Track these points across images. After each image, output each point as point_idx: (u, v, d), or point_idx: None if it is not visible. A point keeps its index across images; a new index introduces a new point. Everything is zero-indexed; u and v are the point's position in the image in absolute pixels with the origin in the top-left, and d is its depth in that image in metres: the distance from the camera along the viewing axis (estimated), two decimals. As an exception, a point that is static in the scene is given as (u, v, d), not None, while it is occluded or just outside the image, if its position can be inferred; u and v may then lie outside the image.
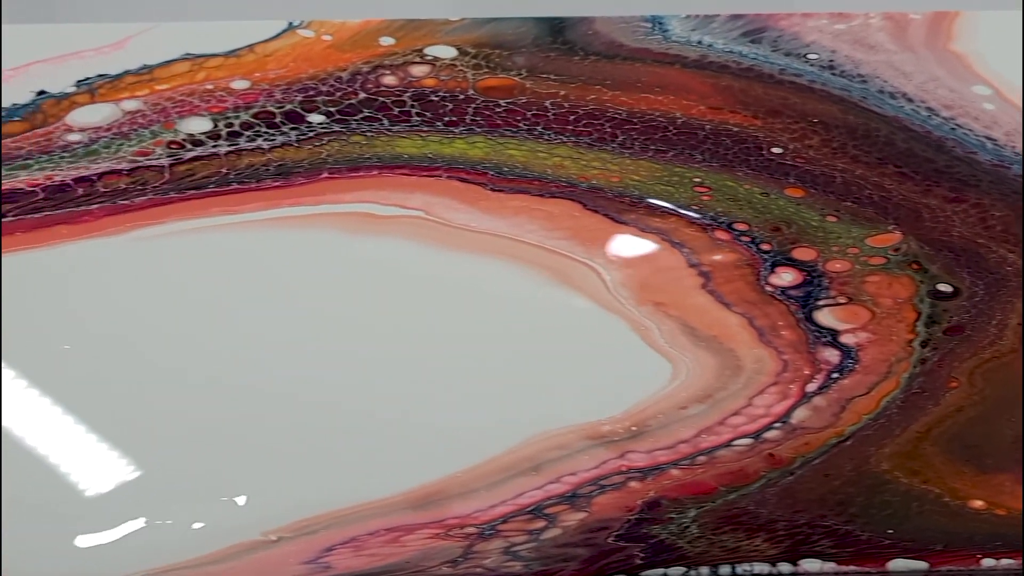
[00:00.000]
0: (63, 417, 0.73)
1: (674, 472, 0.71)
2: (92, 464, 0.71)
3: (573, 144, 0.85)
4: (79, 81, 0.87)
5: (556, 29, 0.91)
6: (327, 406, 0.73)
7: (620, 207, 0.82)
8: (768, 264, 0.79)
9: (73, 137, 0.84)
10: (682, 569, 0.68)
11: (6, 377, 0.74)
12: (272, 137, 0.84)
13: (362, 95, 0.87)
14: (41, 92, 0.86)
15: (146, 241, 0.80)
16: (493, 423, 0.73)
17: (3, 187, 0.81)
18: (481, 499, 0.70)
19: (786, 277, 0.79)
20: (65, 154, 0.83)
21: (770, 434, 0.73)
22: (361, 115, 0.86)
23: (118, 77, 0.87)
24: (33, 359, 0.75)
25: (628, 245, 0.80)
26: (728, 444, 0.72)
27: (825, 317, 0.77)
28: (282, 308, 0.78)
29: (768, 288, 0.78)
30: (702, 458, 0.72)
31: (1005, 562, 0.69)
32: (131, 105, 0.86)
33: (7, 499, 0.70)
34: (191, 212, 0.81)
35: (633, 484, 0.71)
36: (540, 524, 0.70)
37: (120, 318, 0.77)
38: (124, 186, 0.82)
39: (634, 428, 0.73)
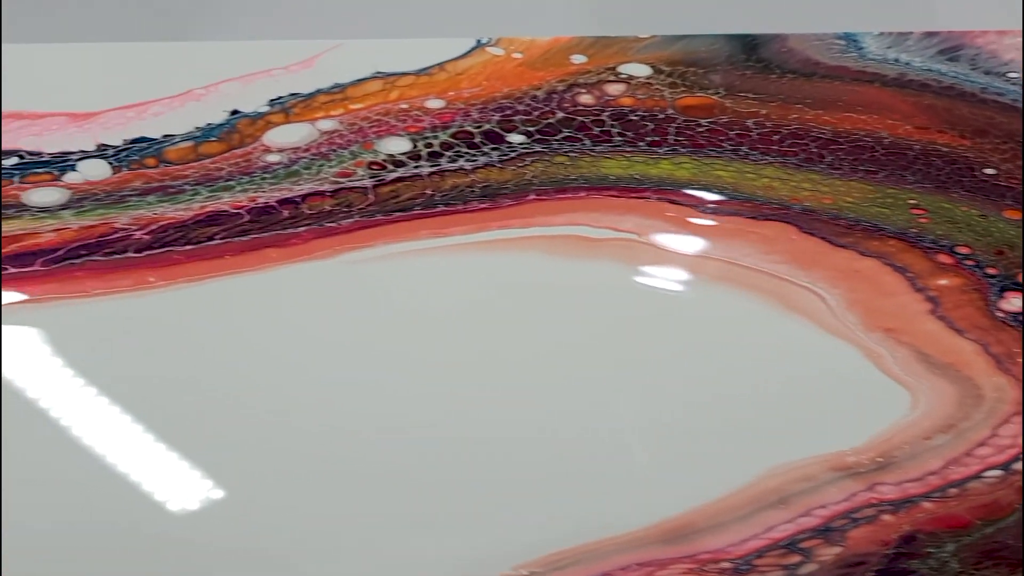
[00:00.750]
0: (288, 441, 0.71)
1: (926, 505, 0.69)
2: (330, 493, 0.69)
3: (780, 164, 0.83)
4: (272, 100, 0.85)
5: (749, 46, 0.89)
6: (564, 439, 0.71)
7: (836, 230, 0.80)
8: (996, 289, 0.77)
9: (272, 158, 0.82)
10: (948, 606, 0.66)
11: (229, 399, 0.72)
12: (474, 158, 0.83)
13: (560, 114, 0.85)
14: (235, 112, 0.84)
15: (356, 265, 0.78)
16: (732, 453, 0.71)
17: (207, 209, 0.80)
18: (731, 533, 0.68)
19: (1016, 303, 0.77)
20: (267, 175, 0.81)
21: (1019, 465, 0.71)
22: (561, 135, 0.84)
23: (310, 96, 0.85)
24: (252, 384, 0.73)
25: (849, 269, 0.78)
26: (978, 476, 0.70)
27: (1061, 344, 0.75)
28: (502, 332, 0.76)
29: (999, 314, 0.76)
30: (953, 490, 0.70)
31: None
32: (327, 125, 0.84)
33: (226, 529, 0.68)
34: (399, 235, 0.79)
35: (886, 517, 0.69)
36: (796, 559, 0.68)
37: (336, 342, 0.75)
38: (329, 208, 0.80)
39: (880, 459, 0.71)
